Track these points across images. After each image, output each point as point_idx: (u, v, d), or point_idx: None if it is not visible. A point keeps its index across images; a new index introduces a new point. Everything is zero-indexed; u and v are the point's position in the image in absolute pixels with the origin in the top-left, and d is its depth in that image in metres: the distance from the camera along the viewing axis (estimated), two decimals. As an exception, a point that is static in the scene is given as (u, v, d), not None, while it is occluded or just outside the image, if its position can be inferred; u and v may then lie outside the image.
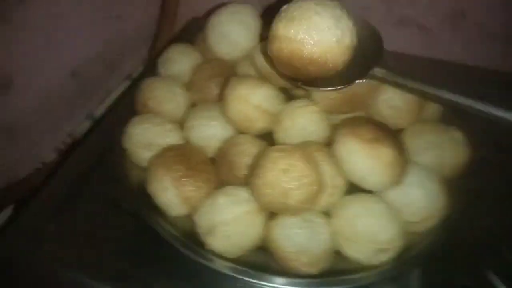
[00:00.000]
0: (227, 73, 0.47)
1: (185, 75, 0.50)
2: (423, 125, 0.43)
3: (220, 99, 0.45)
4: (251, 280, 0.36)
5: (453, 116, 0.47)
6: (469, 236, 0.40)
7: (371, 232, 0.35)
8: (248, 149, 0.40)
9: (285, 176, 0.35)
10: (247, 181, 0.37)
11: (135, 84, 0.66)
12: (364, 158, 0.36)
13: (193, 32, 0.68)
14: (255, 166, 0.37)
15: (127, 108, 0.49)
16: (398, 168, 0.36)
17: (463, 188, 0.42)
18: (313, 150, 0.38)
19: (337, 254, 0.38)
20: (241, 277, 0.36)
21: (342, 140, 0.37)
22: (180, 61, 0.50)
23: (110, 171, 0.45)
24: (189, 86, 0.49)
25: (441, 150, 0.41)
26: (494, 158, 0.48)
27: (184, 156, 0.39)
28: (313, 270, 0.35)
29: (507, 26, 0.62)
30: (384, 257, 0.36)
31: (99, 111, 0.67)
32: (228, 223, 0.36)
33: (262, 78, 0.44)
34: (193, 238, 0.38)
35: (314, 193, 0.35)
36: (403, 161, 0.36)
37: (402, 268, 0.36)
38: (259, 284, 0.36)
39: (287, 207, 0.35)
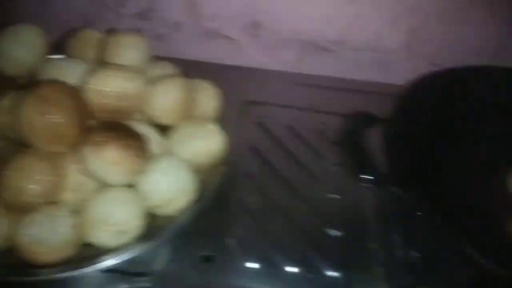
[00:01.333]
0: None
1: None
2: (183, 122, 0.49)
3: None
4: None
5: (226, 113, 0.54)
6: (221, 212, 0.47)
7: (106, 216, 0.40)
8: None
9: (20, 175, 0.39)
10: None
11: None
12: (95, 161, 0.41)
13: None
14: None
15: None
16: (127, 164, 0.41)
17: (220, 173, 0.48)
18: (59, 151, 0.42)
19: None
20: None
21: (80, 146, 0.41)
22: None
23: None
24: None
25: (193, 140, 0.48)
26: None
27: None
28: (53, 259, 0.39)
29: (299, 33, 0.72)
30: (125, 239, 0.41)
31: None
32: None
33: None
34: None
35: (51, 187, 0.40)
36: (133, 156, 0.41)
37: (143, 249, 0.41)
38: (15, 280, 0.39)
39: (25, 205, 0.39)
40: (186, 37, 0.75)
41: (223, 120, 0.53)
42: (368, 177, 0.48)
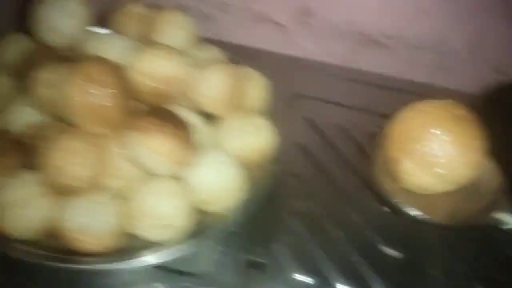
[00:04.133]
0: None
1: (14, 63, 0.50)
2: (232, 114, 0.47)
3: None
4: (44, 262, 0.38)
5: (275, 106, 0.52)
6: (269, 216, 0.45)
7: (152, 208, 0.39)
8: (45, 133, 0.41)
9: (65, 156, 0.37)
10: (37, 163, 0.39)
11: None
12: (141, 149, 0.39)
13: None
14: (44, 148, 0.39)
15: None
16: (175, 154, 0.39)
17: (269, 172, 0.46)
18: (102, 133, 0.40)
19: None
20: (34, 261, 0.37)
21: (124, 131, 0.40)
22: (10, 50, 0.51)
23: None
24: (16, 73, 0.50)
25: (244, 135, 0.45)
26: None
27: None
28: (97, 248, 0.38)
29: (353, 24, 0.68)
30: (168, 234, 0.39)
31: None
32: (14, 203, 0.38)
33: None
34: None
35: (95, 171, 0.39)
36: (181, 147, 0.39)
37: (192, 247, 0.39)
38: (54, 265, 0.38)
39: (70, 188, 0.38)
40: (232, 19, 0.72)
41: (270, 113, 0.50)
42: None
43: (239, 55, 0.54)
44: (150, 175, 0.41)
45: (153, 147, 0.38)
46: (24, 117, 0.44)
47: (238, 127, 0.46)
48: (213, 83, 0.46)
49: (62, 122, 0.43)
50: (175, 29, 0.50)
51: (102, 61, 0.41)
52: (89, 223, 0.37)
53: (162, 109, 0.41)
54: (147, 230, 0.39)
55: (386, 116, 0.56)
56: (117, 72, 0.41)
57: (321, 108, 0.59)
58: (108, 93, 0.39)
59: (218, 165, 0.41)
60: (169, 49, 0.45)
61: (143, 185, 0.40)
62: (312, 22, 0.70)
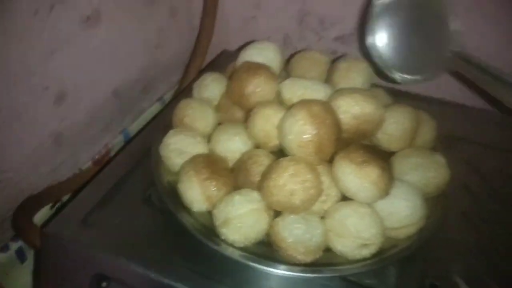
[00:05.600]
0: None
1: (215, 98, 0.62)
2: (412, 149, 0.54)
3: (245, 119, 0.56)
4: (256, 265, 0.46)
5: (441, 146, 0.57)
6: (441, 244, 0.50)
7: (356, 229, 0.45)
8: (262, 160, 0.51)
9: (292, 179, 0.45)
10: (259, 185, 0.48)
11: (168, 105, 0.79)
12: (354, 178, 0.46)
13: (222, 62, 0.81)
14: (267, 172, 0.48)
15: (159, 124, 0.62)
16: (382, 185, 0.46)
17: (441, 204, 0.52)
18: (317, 163, 0.48)
19: (329, 251, 0.47)
20: (247, 262, 0.46)
21: (338, 162, 0.48)
22: (212, 86, 0.62)
23: (146, 174, 0.57)
24: (217, 108, 0.61)
25: (425, 170, 0.51)
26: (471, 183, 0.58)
27: (210, 163, 0.51)
28: (307, 259, 0.45)
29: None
30: (366, 252, 0.46)
31: (133, 127, 0.79)
32: (240, 216, 0.46)
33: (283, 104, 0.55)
34: (211, 230, 0.48)
35: (313, 195, 0.46)
36: (388, 178, 0.46)
37: (380, 264, 0.46)
38: (263, 269, 0.46)
39: (290, 206, 0.46)
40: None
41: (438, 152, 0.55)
42: None
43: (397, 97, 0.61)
44: (347, 199, 0.48)
45: (369, 178, 0.46)
46: (238, 145, 0.54)
47: (421, 164, 0.52)
48: (398, 122, 0.53)
49: (271, 151, 0.53)
50: (359, 75, 0.58)
51: (321, 101, 0.50)
52: (305, 238, 0.45)
53: (368, 144, 0.49)
54: (348, 246, 0.46)
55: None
56: (331, 110, 0.49)
57: (478, 151, 0.64)
58: (328, 127, 0.47)
59: (408, 195, 0.48)
60: (366, 92, 0.53)
61: (347, 207, 0.47)
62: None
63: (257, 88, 0.55)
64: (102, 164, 0.74)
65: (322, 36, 0.82)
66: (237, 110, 0.59)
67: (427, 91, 0.76)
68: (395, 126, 0.53)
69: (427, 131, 0.57)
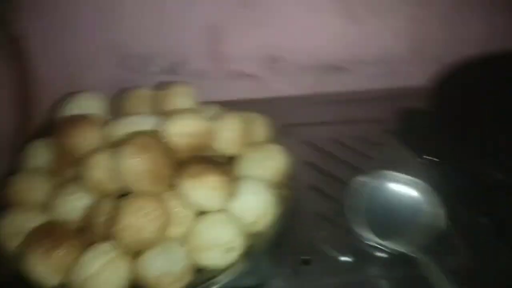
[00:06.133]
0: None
1: (46, 165, 0.58)
2: (249, 149, 0.57)
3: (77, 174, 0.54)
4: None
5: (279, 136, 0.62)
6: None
7: (215, 238, 0.46)
8: (103, 209, 0.48)
9: (135, 216, 0.44)
10: (107, 234, 0.46)
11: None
12: (198, 191, 0.48)
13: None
14: (110, 218, 0.46)
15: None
16: (225, 188, 0.48)
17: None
18: (161, 191, 0.48)
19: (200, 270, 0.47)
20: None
21: (181, 182, 0.48)
22: (40, 155, 0.59)
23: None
24: (52, 174, 0.58)
25: (264, 161, 0.55)
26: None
27: (48, 232, 0.47)
28: (178, 286, 0.44)
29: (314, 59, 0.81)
30: (233, 256, 0.47)
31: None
32: (95, 275, 0.44)
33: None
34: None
35: (162, 223, 0.46)
36: (228, 181, 0.48)
37: (251, 260, 0.47)
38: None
39: (143, 242, 0.45)
40: (212, 82, 0.83)
41: (273, 143, 0.60)
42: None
43: (228, 107, 0.65)
44: (201, 214, 0.49)
45: (208, 185, 0.47)
46: (76, 203, 0.51)
47: (256, 157, 0.55)
48: (228, 130, 0.55)
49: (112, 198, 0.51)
50: (184, 98, 0.60)
51: (145, 133, 0.50)
52: (168, 267, 0.44)
53: (201, 157, 0.50)
54: (214, 257, 0.46)
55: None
56: (159, 139, 0.50)
57: (309, 130, 0.71)
58: (159, 156, 0.47)
59: (256, 189, 0.50)
60: (190, 111, 0.55)
61: (200, 222, 0.47)
62: (280, 66, 0.82)
63: (81, 139, 0.54)
64: None
65: (145, 73, 0.83)
66: (71, 169, 0.56)
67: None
68: (227, 133, 0.56)
69: (259, 128, 0.61)
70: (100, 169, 0.50)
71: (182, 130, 0.52)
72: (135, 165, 0.46)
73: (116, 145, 0.50)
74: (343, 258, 0.51)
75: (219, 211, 0.49)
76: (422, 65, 0.81)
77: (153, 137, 0.49)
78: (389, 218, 0.51)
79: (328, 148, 0.67)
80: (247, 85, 0.84)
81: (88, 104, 0.59)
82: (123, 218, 0.44)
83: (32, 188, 0.54)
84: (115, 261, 0.45)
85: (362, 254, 0.51)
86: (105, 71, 0.84)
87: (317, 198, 0.59)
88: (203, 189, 0.47)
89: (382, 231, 0.50)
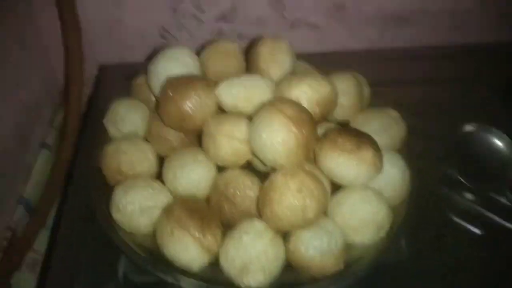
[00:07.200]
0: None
1: (140, 129, 0.52)
2: (366, 115, 0.54)
3: (188, 143, 0.50)
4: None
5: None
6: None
7: (371, 216, 0.44)
8: (244, 185, 0.45)
9: (299, 195, 0.41)
10: (260, 210, 0.43)
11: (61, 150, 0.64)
12: (351, 166, 0.44)
13: (109, 81, 0.69)
14: (264, 196, 0.42)
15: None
16: (378, 163, 0.45)
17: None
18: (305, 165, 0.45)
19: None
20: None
21: (328, 154, 0.44)
22: (130, 117, 0.53)
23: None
24: (148, 139, 0.52)
25: (388, 130, 0.52)
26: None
27: (190, 210, 0.43)
28: (340, 267, 0.43)
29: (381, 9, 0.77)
30: (382, 233, 0.45)
31: (29, 190, 0.63)
32: (258, 257, 0.41)
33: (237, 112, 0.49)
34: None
35: (324, 202, 0.43)
36: (380, 155, 0.45)
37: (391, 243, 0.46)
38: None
39: (304, 222, 0.42)
40: (271, 31, 0.76)
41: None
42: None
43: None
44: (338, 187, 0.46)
45: (362, 161, 0.43)
46: (199, 175, 0.47)
47: (379, 125, 0.52)
48: (346, 93, 0.52)
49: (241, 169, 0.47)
50: (282, 55, 0.55)
51: (285, 100, 0.45)
52: (330, 248, 0.42)
53: (343, 127, 0.47)
54: (367, 236, 0.44)
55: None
56: (299, 105, 0.45)
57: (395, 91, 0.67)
58: (310, 130, 0.43)
59: (393, 163, 0.48)
60: (314, 74, 0.51)
61: (352, 198, 0.44)
62: (345, 16, 0.77)
63: (198, 103, 0.48)
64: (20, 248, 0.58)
65: (202, 20, 0.75)
66: (175, 136, 0.51)
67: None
68: (345, 96, 0.52)
69: (365, 89, 0.57)
70: (234, 140, 0.45)
71: (314, 97, 0.47)
72: (290, 139, 0.42)
73: (255, 113, 0.45)
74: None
75: (365, 187, 0.46)
76: (487, 19, 0.79)
77: (296, 105, 0.44)
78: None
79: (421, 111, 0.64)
80: (309, 35, 0.78)
81: (186, 61, 0.52)
82: (284, 197, 0.41)
83: (138, 158, 0.49)
84: (275, 242, 0.42)
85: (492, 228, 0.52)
86: (155, 16, 0.74)
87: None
88: (359, 165, 0.44)
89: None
